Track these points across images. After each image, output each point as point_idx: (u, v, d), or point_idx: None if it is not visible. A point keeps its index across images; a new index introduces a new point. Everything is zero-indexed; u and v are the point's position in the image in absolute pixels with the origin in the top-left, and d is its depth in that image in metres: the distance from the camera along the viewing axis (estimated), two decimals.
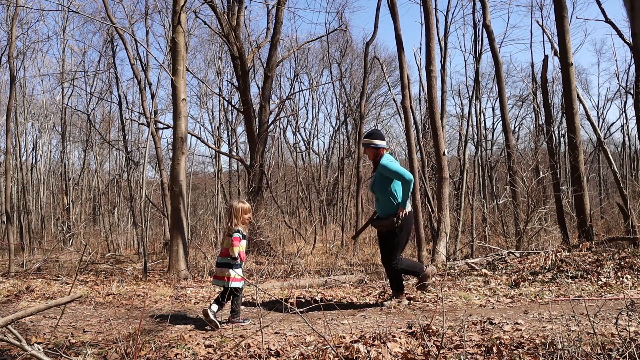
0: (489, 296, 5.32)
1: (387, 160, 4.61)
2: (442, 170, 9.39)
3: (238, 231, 4.20)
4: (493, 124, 28.40)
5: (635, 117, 14.91)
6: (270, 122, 14.06)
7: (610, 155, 10.23)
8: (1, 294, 6.07)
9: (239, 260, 4.18)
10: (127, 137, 19.93)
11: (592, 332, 3.23)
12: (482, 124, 21.38)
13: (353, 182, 19.63)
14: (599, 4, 11.48)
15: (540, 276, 6.06)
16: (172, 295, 5.85)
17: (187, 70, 11.52)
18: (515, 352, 3.08)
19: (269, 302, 5.26)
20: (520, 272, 6.35)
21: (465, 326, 3.83)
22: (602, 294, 5.14)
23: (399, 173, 4.51)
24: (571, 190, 11.28)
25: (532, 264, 6.70)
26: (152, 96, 15.06)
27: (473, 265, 7.07)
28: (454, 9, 32.58)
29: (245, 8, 13.75)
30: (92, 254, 11.22)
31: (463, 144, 15.86)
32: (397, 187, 4.61)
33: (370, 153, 4.68)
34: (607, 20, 11.43)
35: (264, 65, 14.51)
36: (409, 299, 5.24)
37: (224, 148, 24.89)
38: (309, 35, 41.53)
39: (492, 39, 12.98)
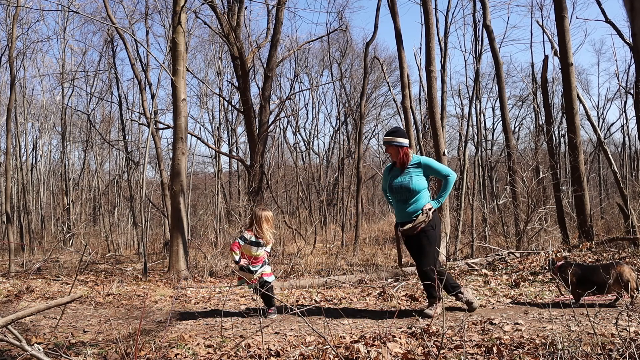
0: (489, 296, 5.32)
1: (425, 158, 4.49)
2: None
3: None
4: (493, 124, 28.41)
5: (635, 117, 14.91)
6: (270, 122, 14.06)
7: (610, 156, 10.23)
8: (1, 294, 6.07)
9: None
10: (127, 137, 19.94)
11: (592, 332, 3.23)
12: (482, 124, 21.36)
13: (353, 182, 19.63)
14: (599, 4, 11.48)
15: (540, 276, 6.06)
16: (172, 296, 5.85)
17: (187, 70, 11.52)
18: (516, 352, 3.08)
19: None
20: (521, 272, 6.35)
21: (465, 326, 3.83)
22: None
23: (446, 169, 4.41)
24: (571, 190, 11.28)
25: (532, 264, 6.70)
26: (152, 96, 15.06)
27: (473, 265, 7.07)
28: (454, 9, 32.66)
29: (246, 8, 13.75)
30: (92, 254, 11.22)
31: (463, 144, 15.87)
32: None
33: (394, 151, 4.38)
34: (607, 21, 11.42)
35: (264, 66, 14.51)
36: (411, 297, 5.24)
37: (224, 148, 24.91)
38: (309, 35, 41.55)
39: (492, 39, 12.98)
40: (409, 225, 4.28)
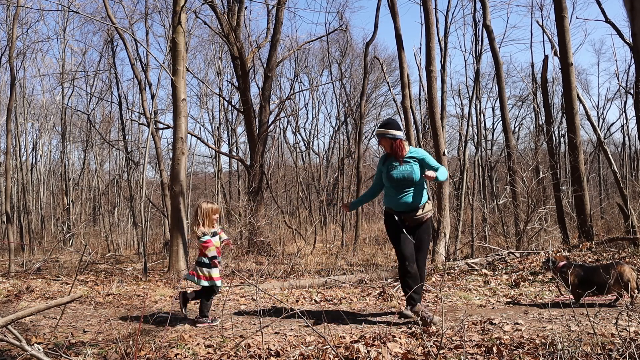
0: (489, 296, 5.32)
1: (422, 151, 4.39)
2: None
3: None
4: (493, 124, 28.38)
5: (635, 117, 14.90)
6: (270, 122, 14.06)
7: (610, 155, 10.22)
8: (1, 294, 6.07)
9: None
10: (127, 137, 19.94)
11: (592, 332, 3.23)
12: (482, 124, 21.38)
13: (353, 182, 19.63)
14: (599, 4, 11.48)
15: (540, 276, 6.06)
16: (172, 295, 5.85)
17: (187, 70, 11.51)
18: (515, 352, 3.08)
19: (269, 302, 5.26)
20: (521, 272, 6.35)
21: (465, 326, 3.83)
22: None
23: (438, 165, 4.31)
24: (571, 190, 11.28)
25: (532, 264, 6.70)
26: (152, 96, 15.05)
27: (473, 265, 7.07)
28: (454, 9, 32.65)
29: (245, 8, 13.75)
30: (92, 254, 11.22)
31: (463, 144, 15.87)
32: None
33: (387, 143, 4.28)
34: (607, 21, 11.42)
35: (264, 66, 14.51)
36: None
37: (224, 148, 24.91)
38: (309, 35, 41.55)
39: (492, 39, 12.98)
40: (419, 212, 4.22)
